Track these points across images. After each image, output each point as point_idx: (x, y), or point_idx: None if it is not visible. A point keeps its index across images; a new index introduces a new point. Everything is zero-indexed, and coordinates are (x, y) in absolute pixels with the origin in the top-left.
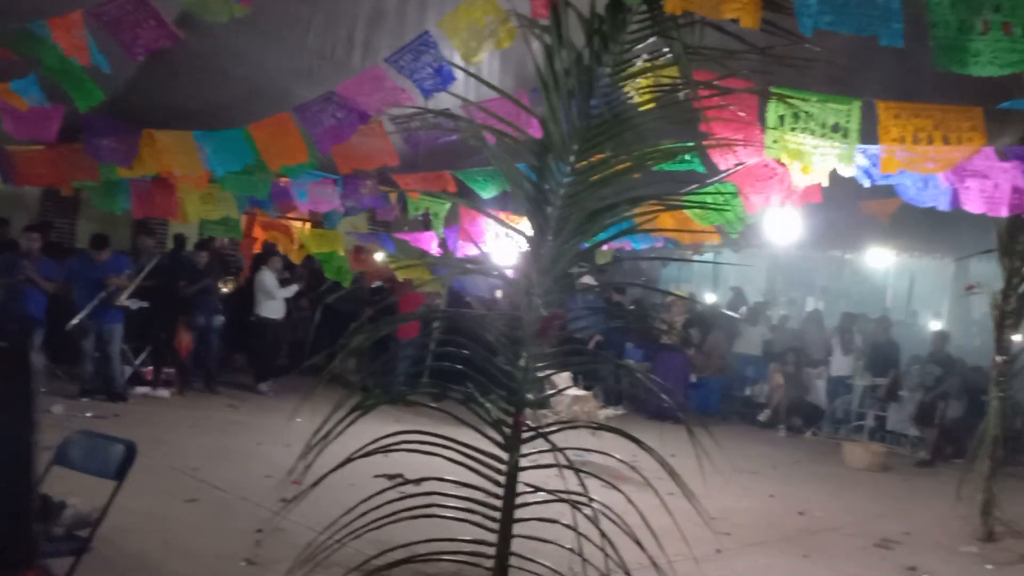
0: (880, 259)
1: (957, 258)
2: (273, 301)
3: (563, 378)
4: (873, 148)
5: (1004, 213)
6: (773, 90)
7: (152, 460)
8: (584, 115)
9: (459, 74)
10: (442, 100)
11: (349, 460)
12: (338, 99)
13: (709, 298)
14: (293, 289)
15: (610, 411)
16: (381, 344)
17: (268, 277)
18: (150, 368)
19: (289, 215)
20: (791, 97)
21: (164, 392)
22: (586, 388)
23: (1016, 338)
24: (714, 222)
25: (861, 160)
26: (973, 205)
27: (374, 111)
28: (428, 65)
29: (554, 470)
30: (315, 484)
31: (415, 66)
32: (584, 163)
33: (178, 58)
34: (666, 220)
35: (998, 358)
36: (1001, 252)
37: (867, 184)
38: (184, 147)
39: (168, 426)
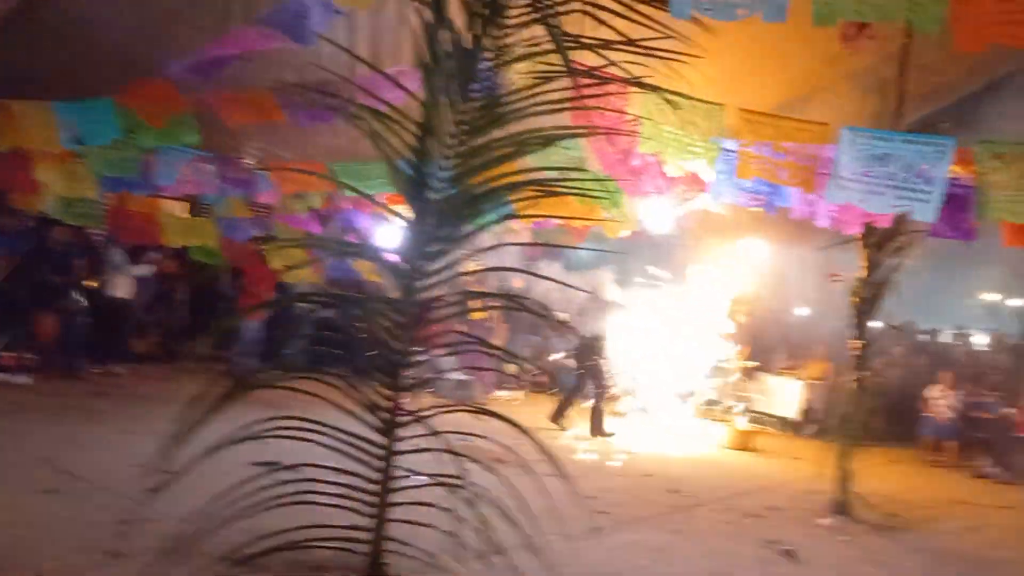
0: (755, 248)
1: (821, 248)
2: (123, 278)
3: (448, 362)
4: (732, 152)
5: (851, 231)
6: (647, 83)
7: (7, 449)
8: (465, 98)
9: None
10: (323, 76)
11: (218, 447)
12: (214, 56)
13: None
14: (146, 268)
15: (504, 394)
16: (246, 328)
17: (117, 253)
18: (10, 354)
19: (163, 197)
20: (664, 92)
21: (24, 378)
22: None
23: (873, 324)
24: (603, 210)
25: (722, 164)
26: (822, 220)
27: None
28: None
29: (438, 454)
30: (181, 473)
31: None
32: (465, 147)
33: (34, 23)
34: (555, 208)
35: (856, 342)
36: (861, 243)
37: (725, 188)
38: (41, 119)
39: (26, 414)
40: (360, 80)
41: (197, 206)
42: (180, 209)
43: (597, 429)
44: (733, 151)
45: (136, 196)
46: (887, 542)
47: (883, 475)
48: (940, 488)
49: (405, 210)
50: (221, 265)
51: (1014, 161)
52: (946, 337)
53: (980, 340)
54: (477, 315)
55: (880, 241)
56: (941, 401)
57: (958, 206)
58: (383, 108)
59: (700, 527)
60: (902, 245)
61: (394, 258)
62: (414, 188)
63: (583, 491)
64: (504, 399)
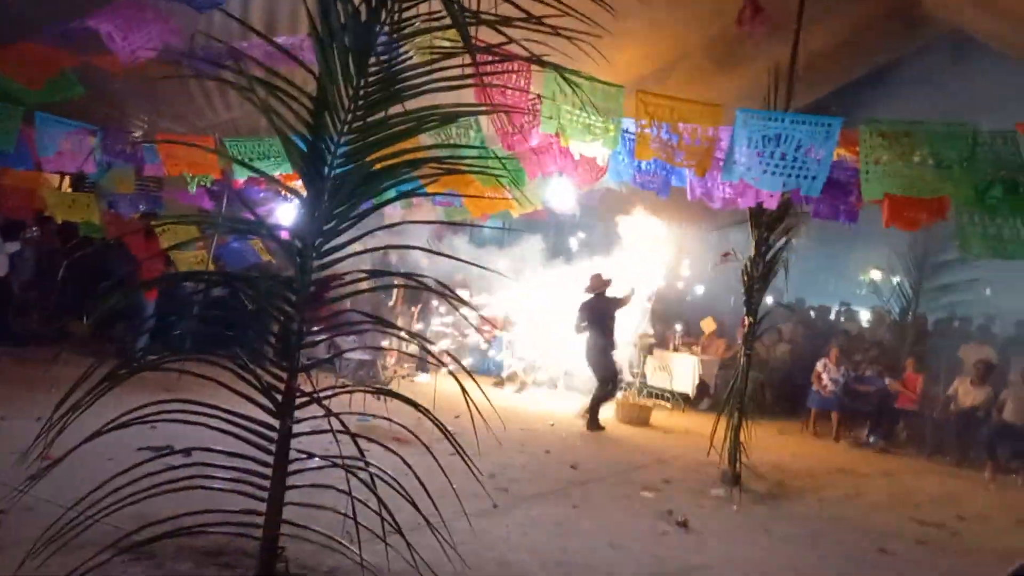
0: (652, 227)
1: (715, 228)
2: None
3: (349, 342)
4: (630, 133)
5: (744, 205)
6: (548, 62)
7: None
8: (362, 72)
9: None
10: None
11: (99, 432)
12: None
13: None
14: (15, 245)
15: (410, 376)
16: (136, 307)
17: None
18: None
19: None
20: (565, 72)
21: None
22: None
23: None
24: (506, 189)
25: (620, 146)
26: (716, 201)
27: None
28: None
29: (338, 436)
30: (61, 459)
31: None
32: (362, 123)
33: None
34: (456, 187)
35: (747, 319)
36: (752, 223)
37: (623, 168)
38: None
39: None
40: (253, 51)
41: (79, 180)
42: (61, 183)
43: (593, 422)
44: (631, 133)
45: (13, 170)
46: (774, 510)
47: (772, 446)
48: (824, 458)
49: (301, 187)
50: (108, 241)
51: (895, 138)
52: (833, 314)
53: (864, 316)
54: (398, 298)
55: (770, 222)
56: (826, 375)
57: (842, 190)
58: (277, 81)
59: (598, 501)
60: (790, 226)
61: (289, 236)
62: (309, 164)
63: (484, 469)
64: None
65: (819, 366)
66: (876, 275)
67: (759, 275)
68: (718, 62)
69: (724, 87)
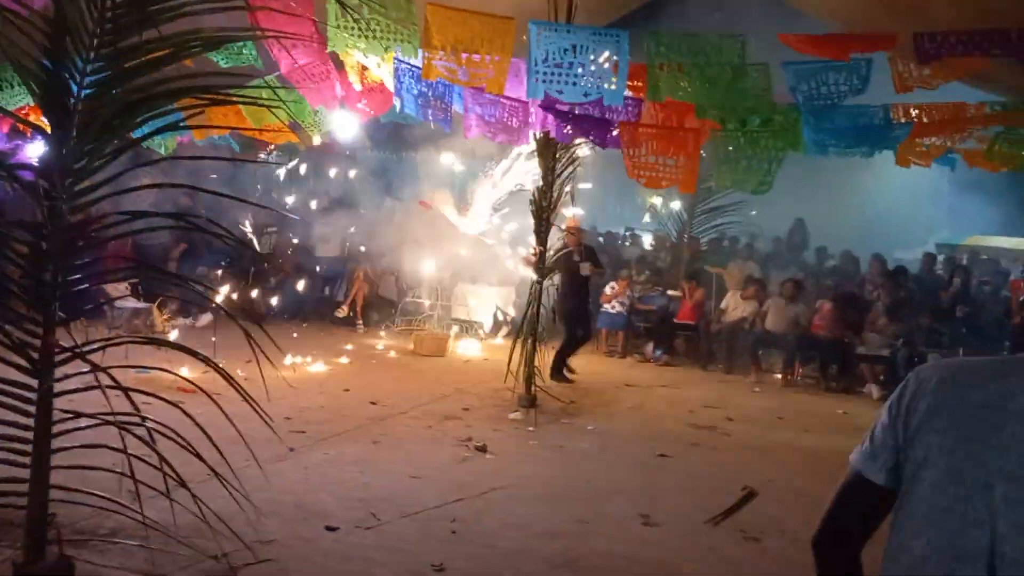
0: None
1: (503, 159)
2: None
3: (119, 289)
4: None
5: (500, 140)
6: None
7: None
8: None
9: None
10: None
11: None
12: None
13: (288, 200)
14: None
15: (189, 322)
16: None
17: None
18: None
19: None
20: None
21: None
22: (149, 299)
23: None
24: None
25: (407, 77)
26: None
27: None
28: None
29: (112, 392)
30: None
31: None
32: (112, 48)
33: None
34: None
35: (537, 247)
36: (538, 153)
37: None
38: None
39: None
40: None
41: None
42: None
43: (558, 372)
44: (415, 65)
45: None
46: (567, 428)
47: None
48: (613, 375)
49: (45, 122)
50: None
51: (674, 46)
52: (619, 239)
53: (647, 240)
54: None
55: (554, 151)
56: (613, 297)
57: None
58: (6, 2)
59: (399, 435)
60: (574, 156)
61: (33, 176)
62: (51, 96)
63: (279, 413)
64: (189, 325)
65: (607, 289)
66: (657, 201)
67: (546, 204)
68: None
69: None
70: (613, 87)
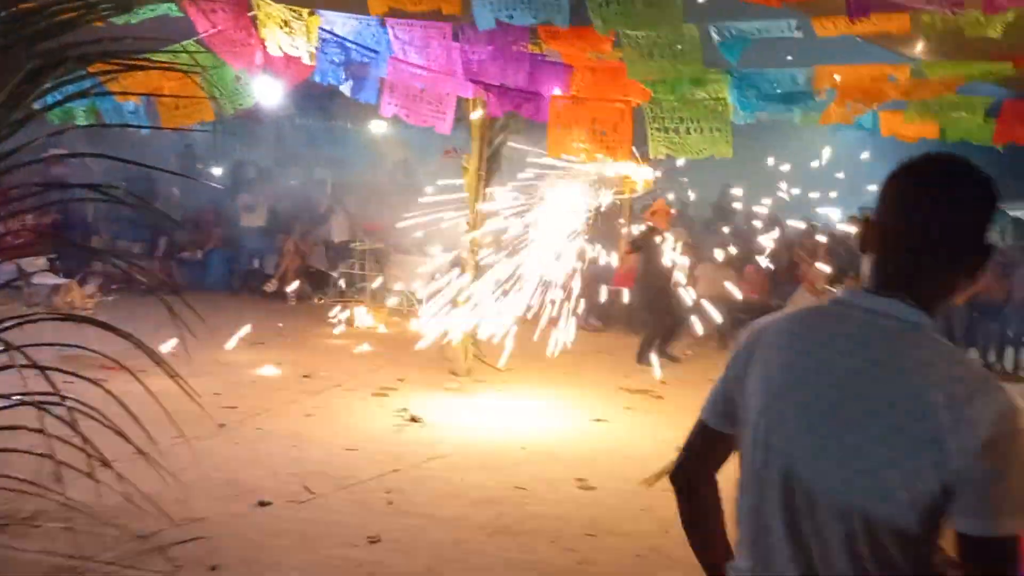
0: (380, 129)
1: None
2: None
3: (36, 264)
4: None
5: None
6: None
7: None
8: None
9: None
10: None
11: None
12: None
13: (215, 172)
14: None
15: (111, 299)
16: None
17: None
18: None
19: None
20: None
21: None
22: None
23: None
24: (212, 91)
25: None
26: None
27: None
28: None
29: (28, 372)
30: None
31: None
32: (14, 9)
33: None
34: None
35: (471, 215)
36: (472, 123)
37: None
38: None
39: None
40: None
41: None
42: None
43: (644, 356)
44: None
45: None
46: (502, 394)
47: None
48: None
49: None
50: None
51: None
52: None
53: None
54: None
55: (488, 120)
56: None
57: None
58: None
59: (333, 408)
60: (507, 123)
61: None
62: None
63: (208, 389)
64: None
65: None
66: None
67: (482, 171)
68: None
69: None
70: (558, 11)
